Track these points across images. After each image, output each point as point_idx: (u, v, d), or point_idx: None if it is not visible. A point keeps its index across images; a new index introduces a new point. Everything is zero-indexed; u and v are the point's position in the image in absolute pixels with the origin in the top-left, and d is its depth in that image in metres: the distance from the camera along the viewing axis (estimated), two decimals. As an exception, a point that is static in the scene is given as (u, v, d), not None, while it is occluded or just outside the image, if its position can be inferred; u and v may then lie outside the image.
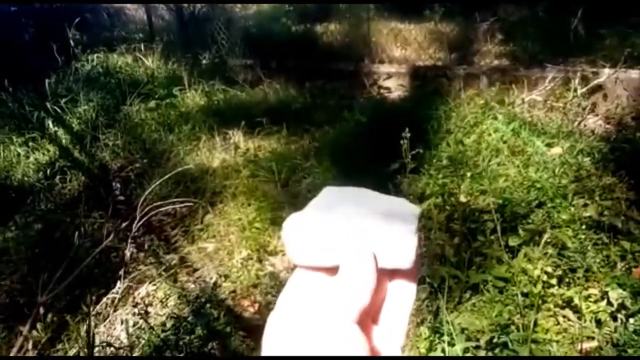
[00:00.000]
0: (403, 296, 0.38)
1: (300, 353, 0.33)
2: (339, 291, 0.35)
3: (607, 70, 3.66)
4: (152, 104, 4.10)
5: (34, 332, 1.98)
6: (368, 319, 0.35)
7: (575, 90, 3.55)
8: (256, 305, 2.35)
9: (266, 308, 2.30)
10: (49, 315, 1.97)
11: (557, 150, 3.01)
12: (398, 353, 0.38)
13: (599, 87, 3.62)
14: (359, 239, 0.36)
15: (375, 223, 0.37)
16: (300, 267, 0.37)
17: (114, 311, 2.23)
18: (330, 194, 0.40)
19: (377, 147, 3.06)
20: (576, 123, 3.35)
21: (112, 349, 1.81)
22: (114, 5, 6.52)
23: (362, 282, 0.35)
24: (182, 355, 1.90)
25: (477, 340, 1.91)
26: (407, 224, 0.37)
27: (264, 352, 0.36)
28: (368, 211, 0.38)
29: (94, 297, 2.28)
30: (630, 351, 1.69)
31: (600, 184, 2.60)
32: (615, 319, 1.91)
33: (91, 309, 2.17)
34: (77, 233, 2.66)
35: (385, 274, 0.37)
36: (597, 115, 3.56)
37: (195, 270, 2.58)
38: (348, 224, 0.37)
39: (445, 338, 1.88)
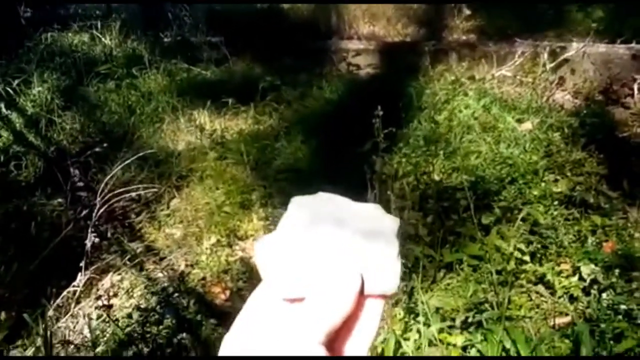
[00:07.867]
0: (371, 315, 0.37)
1: None
2: (310, 310, 0.34)
3: (574, 45, 3.66)
4: (111, 84, 3.89)
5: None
6: (336, 338, 0.35)
7: (544, 65, 3.55)
8: (227, 292, 2.28)
9: (237, 294, 2.24)
10: (3, 313, 1.85)
11: (527, 125, 3.01)
12: None
13: (567, 62, 3.63)
14: (343, 262, 0.35)
15: (359, 244, 0.36)
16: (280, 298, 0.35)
17: (76, 304, 2.12)
18: (302, 209, 0.38)
19: (349, 126, 2.99)
20: (545, 98, 3.35)
21: (72, 346, 1.71)
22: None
23: (338, 304, 0.34)
24: (150, 348, 1.82)
25: (453, 320, 1.90)
26: (390, 245, 0.36)
27: None
28: (349, 230, 0.36)
29: (54, 290, 2.16)
30: (603, 326, 1.70)
31: (571, 159, 2.61)
32: (587, 294, 1.93)
33: (51, 303, 2.07)
34: (34, 222, 2.52)
35: (363, 296, 0.36)
36: (565, 90, 3.57)
37: (163, 258, 2.48)
38: (330, 246, 0.36)
39: (421, 318, 1.85)
